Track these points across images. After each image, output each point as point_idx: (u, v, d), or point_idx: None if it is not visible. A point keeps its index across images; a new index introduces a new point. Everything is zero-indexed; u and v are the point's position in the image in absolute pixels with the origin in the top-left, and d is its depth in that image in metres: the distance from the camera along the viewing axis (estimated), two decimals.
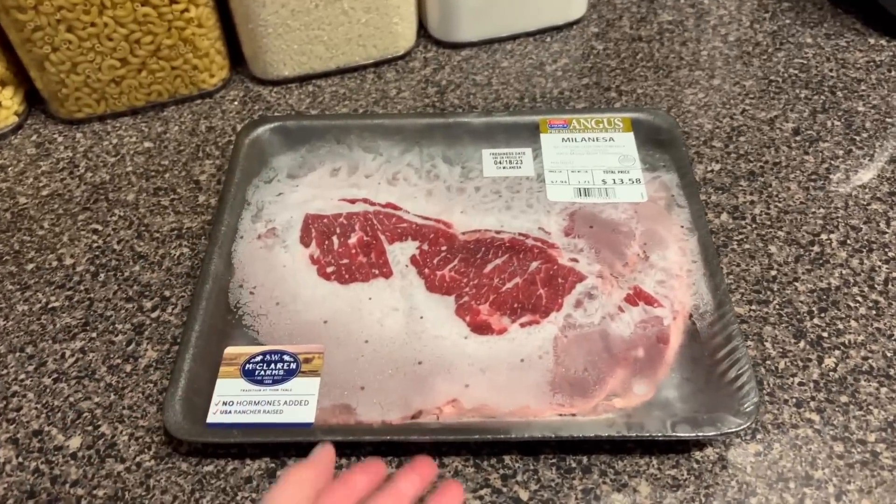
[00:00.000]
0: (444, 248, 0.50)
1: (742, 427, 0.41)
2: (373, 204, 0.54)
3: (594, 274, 0.48)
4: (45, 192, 0.58)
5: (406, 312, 0.47)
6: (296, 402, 0.43)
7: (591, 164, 0.55)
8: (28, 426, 0.45)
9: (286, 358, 0.45)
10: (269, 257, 0.51)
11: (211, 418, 0.43)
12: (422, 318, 0.47)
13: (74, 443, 0.44)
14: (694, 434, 0.41)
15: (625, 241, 0.50)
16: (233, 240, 0.52)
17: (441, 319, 0.47)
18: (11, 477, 0.43)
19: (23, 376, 0.47)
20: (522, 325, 0.46)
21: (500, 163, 0.56)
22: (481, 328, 0.46)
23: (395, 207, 0.53)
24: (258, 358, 0.45)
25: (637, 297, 0.47)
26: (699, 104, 0.64)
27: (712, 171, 0.59)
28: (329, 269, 0.50)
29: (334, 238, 0.51)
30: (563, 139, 0.57)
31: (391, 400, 0.44)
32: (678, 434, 0.41)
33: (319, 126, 0.59)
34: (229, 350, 0.46)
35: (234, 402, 0.43)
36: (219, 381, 0.44)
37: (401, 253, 0.51)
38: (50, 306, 0.51)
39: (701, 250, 0.49)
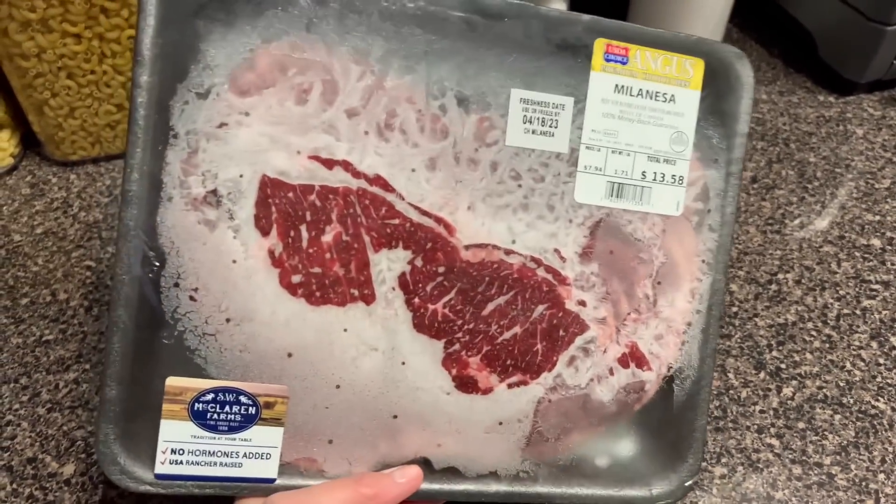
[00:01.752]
0: (441, 268, 0.41)
1: (673, 500, 0.43)
2: (356, 175, 0.39)
3: (597, 321, 0.43)
4: (39, 231, 0.60)
5: (386, 354, 0.40)
6: (256, 455, 0.38)
7: (638, 141, 0.43)
8: (22, 454, 0.46)
9: (243, 400, 0.38)
10: (212, 242, 0.38)
11: (159, 469, 0.37)
12: (403, 364, 0.40)
13: (68, 470, 0.45)
14: (630, 498, 0.42)
15: (640, 271, 0.44)
16: (156, 201, 0.36)
17: (425, 369, 0.41)
18: (6, 503, 0.44)
19: (17, 406, 0.48)
20: (510, 386, 0.42)
21: (531, 121, 0.41)
22: (466, 385, 0.42)
23: (386, 187, 0.40)
24: (209, 396, 0.38)
25: (631, 357, 0.44)
26: None
27: None
28: (296, 279, 0.39)
29: (303, 229, 0.39)
30: (616, 86, 0.42)
31: (359, 455, 0.40)
32: (617, 496, 0.42)
33: None
34: (172, 382, 0.37)
35: (184, 450, 0.38)
36: (163, 423, 0.37)
37: (387, 267, 0.40)
38: (44, 339, 0.52)
39: (709, 297, 0.44)
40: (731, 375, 0.51)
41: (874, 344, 0.53)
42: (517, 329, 0.42)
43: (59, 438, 0.47)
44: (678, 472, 0.43)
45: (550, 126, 0.42)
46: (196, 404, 0.38)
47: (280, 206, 0.39)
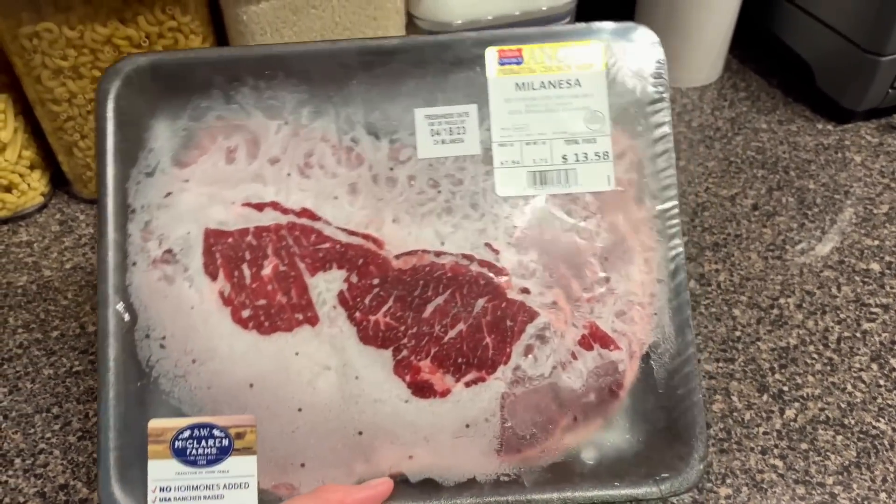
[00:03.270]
0: (375, 280, 0.42)
1: (686, 489, 0.40)
2: (285, 211, 0.43)
3: (546, 307, 0.42)
4: (68, 266, 0.62)
5: (339, 371, 0.41)
6: (236, 486, 0.39)
7: (551, 128, 0.43)
8: (55, 481, 0.46)
9: (216, 433, 0.40)
10: (172, 294, 0.42)
11: None
12: (357, 378, 0.41)
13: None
14: (639, 493, 0.40)
15: (584, 251, 0.43)
16: (124, 267, 0.41)
17: (378, 380, 0.41)
18: None
19: (49, 434, 0.49)
20: (467, 385, 0.42)
21: (438, 132, 0.43)
22: (423, 390, 0.41)
23: (313, 216, 0.43)
24: (186, 434, 0.40)
25: (593, 337, 0.42)
26: None
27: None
28: (245, 313, 0.42)
29: (244, 268, 0.42)
30: (516, 85, 0.43)
31: (334, 475, 0.41)
32: (619, 494, 0.40)
33: (199, 63, 0.43)
34: (153, 424, 0.40)
35: (171, 487, 0.39)
36: (150, 463, 0.40)
37: (325, 288, 0.42)
38: (74, 370, 0.53)
39: (668, 263, 0.42)
40: (734, 398, 0.52)
41: (874, 366, 0.54)
42: (461, 326, 0.42)
43: (89, 465, 0.48)
44: (684, 458, 0.40)
45: (459, 133, 0.43)
46: (176, 442, 0.40)
47: (223, 251, 0.42)
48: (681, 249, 0.42)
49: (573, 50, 0.43)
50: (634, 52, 0.43)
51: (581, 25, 0.43)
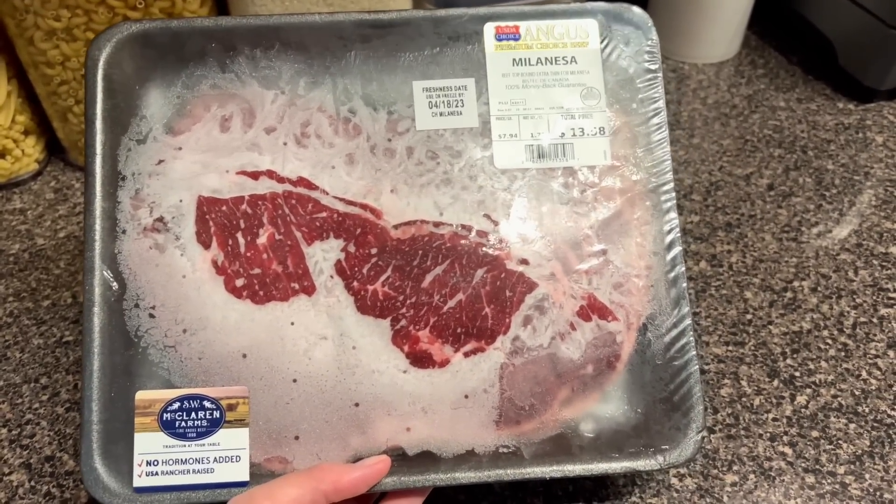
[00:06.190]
0: (373, 250, 0.42)
1: (685, 460, 0.40)
2: (281, 180, 0.42)
3: (545, 278, 0.42)
4: (61, 234, 0.61)
5: (336, 341, 0.41)
6: (226, 459, 0.39)
7: (548, 104, 0.44)
8: (41, 452, 0.46)
9: (207, 405, 0.39)
10: (163, 262, 0.41)
11: (137, 482, 0.38)
12: (354, 348, 0.41)
13: None
14: (637, 465, 0.40)
15: (581, 224, 0.43)
16: (113, 235, 0.41)
17: (376, 350, 0.41)
18: (24, 500, 0.43)
19: (37, 405, 0.48)
20: (466, 355, 0.41)
21: (436, 104, 0.43)
22: (421, 360, 0.41)
23: (310, 185, 0.43)
24: (175, 405, 0.39)
25: (591, 308, 0.42)
26: (679, 160, 0.68)
27: (692, 221, 0.62)
28: (239, 282, 0.41)
29: (239, 236, 0.42)
30: (513, 60, 0.44)
31: (329, 448, 0.40)
32: (618, 467, 0.39)
33: (194, 32, 0.42)
34: (141, 396, 0.39)
35: (158, 461, 0.39)
36: (137, 436, 0.39)
37: (322, 258, 0.42)
38: (64, 340, 0.53)
39: (664, 236, 0.43)
40: (743, 383, 0.50)
41: (891, 353, 0.52)
42: (461, 296, 0.42)
43: (76, 437, 0.47)
44: (682, 429, 0.40)
45: (457, 106, 0.43)
46: (164, 414, 0.39)
47: (216, 219, 0.42)
48: (676, 224, 0.43)
49: (569, 28, 0.44)
50: (628, 32, 0.44)
51: (576, 5, 0.44)
